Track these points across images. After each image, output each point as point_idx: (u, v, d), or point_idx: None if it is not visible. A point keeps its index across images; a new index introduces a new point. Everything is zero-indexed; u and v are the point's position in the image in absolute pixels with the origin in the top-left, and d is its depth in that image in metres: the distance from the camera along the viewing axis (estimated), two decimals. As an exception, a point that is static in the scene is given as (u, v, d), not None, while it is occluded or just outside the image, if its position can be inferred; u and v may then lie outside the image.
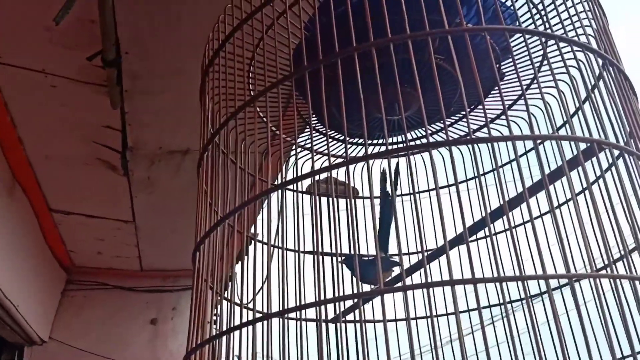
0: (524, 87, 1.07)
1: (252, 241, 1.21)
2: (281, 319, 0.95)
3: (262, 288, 1.14)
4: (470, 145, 1.11)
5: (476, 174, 1.02)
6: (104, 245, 2.83)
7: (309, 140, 1.30)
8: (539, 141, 0.67)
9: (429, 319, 1.10)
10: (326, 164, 1.05)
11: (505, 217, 0.78)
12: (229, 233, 1.05)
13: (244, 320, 0.82)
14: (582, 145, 0.70)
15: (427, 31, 0.79)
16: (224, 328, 0.84)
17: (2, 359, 2.85)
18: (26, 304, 2.52)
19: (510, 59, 1.08)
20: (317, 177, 0.86)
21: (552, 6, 0.88)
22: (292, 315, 1.03)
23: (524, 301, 0.91)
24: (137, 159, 2.07)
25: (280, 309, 0.81)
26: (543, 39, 0.86)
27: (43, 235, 2.63)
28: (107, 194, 2.34)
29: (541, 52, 1.01)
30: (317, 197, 1.23)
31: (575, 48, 0.82)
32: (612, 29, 0.93)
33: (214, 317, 1.00)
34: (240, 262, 1.13)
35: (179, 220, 2.55)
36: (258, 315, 0.87)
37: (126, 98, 1.75)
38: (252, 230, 1.28)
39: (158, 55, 1.63)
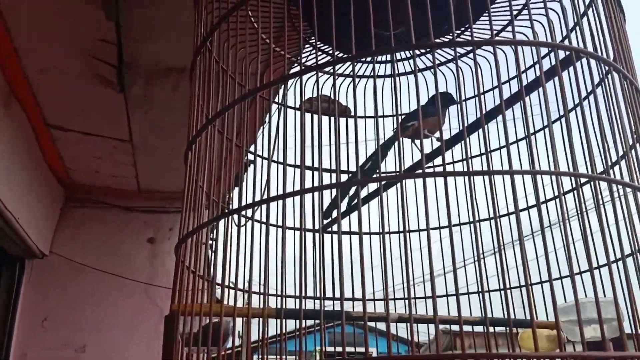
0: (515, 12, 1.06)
1: (248, 156, 1.23)
2: (264, 225, 0.99)
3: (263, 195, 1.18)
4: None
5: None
6: (102, 164, 2.86)
7: (304, 54, 1.30)
8: (540, 48, 0.68)
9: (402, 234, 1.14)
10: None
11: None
12: (220, 141, 1.08)
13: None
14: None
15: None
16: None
17: (3, 270, 2.94)
18: (26, 216, 2.57)
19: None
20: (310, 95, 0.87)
21: None
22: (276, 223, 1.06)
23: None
24: (134, 75, 2.06)
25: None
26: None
27: (41, 151, 2.66)
28: (104, 111, 2.34)
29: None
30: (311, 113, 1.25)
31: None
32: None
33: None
34: (237, 183, 1.16)
35: (176, 141, 2.57)
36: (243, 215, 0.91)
37: (122, 10, 1.72)
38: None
39: (154, -34, 1.60)
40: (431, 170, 1.32)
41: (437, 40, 1.18)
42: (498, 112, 0.86)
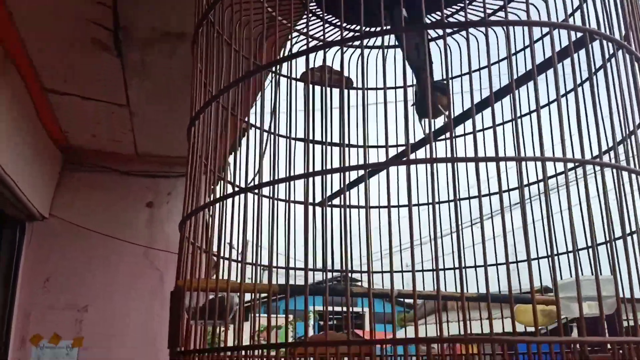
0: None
1: (246, 128, 1.22)
2: (271, 200, 0.99)
3: (259, 170, 1.17)
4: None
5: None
6: (99, 128, 2.84)
7: (305, 25, 1.28)
8: (551, 29, 0.67)
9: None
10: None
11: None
12: (223, 116, 1.06)
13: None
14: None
15: None
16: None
17: (4, 232, 2.95)
18: (25, 180, 2.57)
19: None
20: (310, 66, 0.86)
21: None
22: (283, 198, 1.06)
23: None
24: (131, 40, 2.02)
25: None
26: None
27: (37, 115, 2.63)
28: (101, 76, 2.31)
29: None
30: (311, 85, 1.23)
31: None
32: None
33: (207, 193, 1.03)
34: (234, 150, 1.16)
35: (173, 107, 2.55)
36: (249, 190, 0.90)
37: (118, -27, 1.68)
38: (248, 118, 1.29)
39: None
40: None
41: (429, 21, 1.16)
42: (507, 91, 0.85)
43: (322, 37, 1.24)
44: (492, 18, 1.12)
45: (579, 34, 0.72)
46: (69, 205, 3.13)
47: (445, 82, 1.12)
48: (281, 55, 1.35)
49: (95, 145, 3.07)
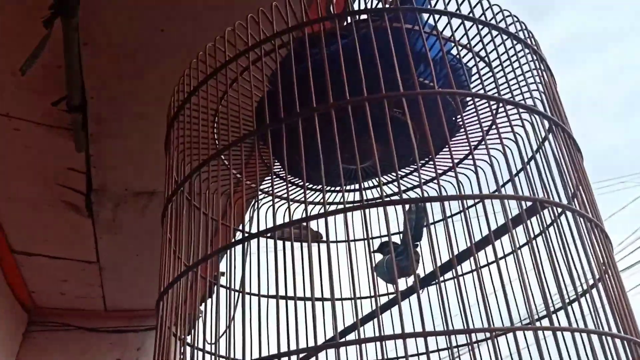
0: (475, 144, 1.13)
1: (215, 284, 1.22)
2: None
3: (224, 332, 1.15)
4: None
5: (427, 225, 1.07)
6: (68, 286, 2.78)
7: (270, 187, 1.33)
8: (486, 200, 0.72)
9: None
10: (287, 210, 1.08)
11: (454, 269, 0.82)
12: (192, 278, 1.07)
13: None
14: (527, 203, 0.75)
15: (383, 94, 0.84)
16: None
17: (-42, 405, 2.74)
18: (-15, 347, 2.45)
19: (466, 114, 1.14)
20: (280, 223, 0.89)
21: (501, 67, 0.94)
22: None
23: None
24: (103, 200, 2.06)
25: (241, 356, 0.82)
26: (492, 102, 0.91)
27: (4, 277, 2.58)
28: (71, 235, 2.31)
29: (492, 112, 1.07)
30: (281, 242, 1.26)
31: (521, 110, 0.87)
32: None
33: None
34: (204, 302, 1.15)
35: (144, 260, 2.53)
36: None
37: (91, 141, 1.75)
38: (219, 271, 1.30)
39: (124, 100, 1.65)
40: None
41: (387, 199, 1.23)
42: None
43: (286, 196, 1.29)
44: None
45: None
46: (31, 368, 2.96)
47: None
48: (249, 213, 1.39)
49: (63, 304, 2.99)
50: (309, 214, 0.92)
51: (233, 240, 1.48)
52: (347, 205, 0.82)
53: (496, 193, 0.76)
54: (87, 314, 3.07)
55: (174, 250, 1.06)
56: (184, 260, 1.02)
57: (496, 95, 0.84)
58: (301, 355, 0.71)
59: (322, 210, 1.15)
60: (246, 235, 0.94)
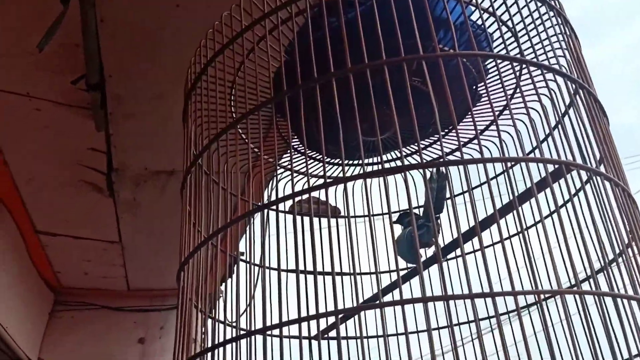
0: (497, 112, 1.10)
1: (236, 260, 1.22)
2: (263, 336, 0.97)
3: (247, 306, 1.15)
4: (443, 168, 1.13)
5: (450, 196, 1.05)
6: (91, 266, 2.82)
7: (290, 161, 1.32)
8: (509, 164, 0.70)
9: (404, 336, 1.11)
10: (307, 184, 1.07)
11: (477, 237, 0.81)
12: (213, 253, 1.07)
13: (228, 337, 0.83)
14: (551, 167, 0.73)
15: (402, 57, 0.82)
16: (209, 345, 0.85)
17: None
18: (15, 325, 2.51)
19: (488, 82, 1.11)
20: (298, 198, 0.88)
21: (524, 30, 0.91)
22: (275, 332, 1.04)
23: (493, 319, 0.94)
24: (123, 180, 2.08)
25: (263, 326, 0.82)
26: (515, 64, 0.88)
27: (30, 257, 2.62)
28: (93, 215, 2.34)
29: (516, 75, 1.04)
30: (300, 217, 1.25)
31: (546, 72, 0.84)
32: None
33: (201, 335, 1.01)
34: (224, 282, 1.15)
35: (165, 239, 2.55)
36: (242, 332, 0.89)
37: (111, 121, 1.76)
38: (239, 250, 1.30)
39: (141, 79, 1.65)
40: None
41: (407, 164, 1.21)
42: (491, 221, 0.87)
43: (305, 171, 1.28)
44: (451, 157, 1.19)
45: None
46: (58, 346, 3.02)
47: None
48: (267, 190, 1.38)
49: (87, 284, 3.04)
50: (326, 185, 0.91)
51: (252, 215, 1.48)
52: (366, 170, 0.80)
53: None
54: (111, 293, 3.12)
55: (193, 223, 1.05)
56: (204, 234, 1.02)
57: (519, 57, 0.81)
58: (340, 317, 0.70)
59: (341, 183, 1.14)
60: (259, 205, 0.93)
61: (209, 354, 0.80)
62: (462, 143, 1.16)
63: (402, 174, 0.76)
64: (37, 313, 2.94)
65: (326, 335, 1.25)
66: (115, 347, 3.11)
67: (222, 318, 1.05)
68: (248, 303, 1.14)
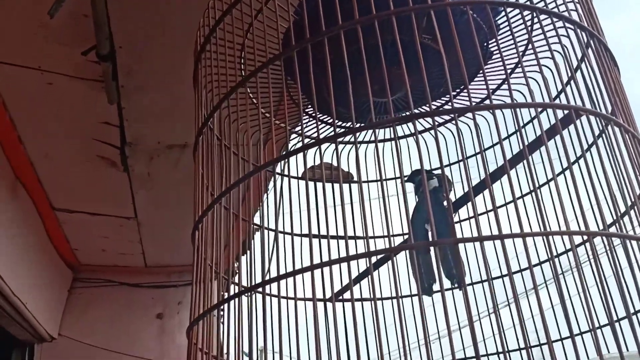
0: (510, 69, 1.09)
1: (253, 226, 1.23)
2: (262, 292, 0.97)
3: (268, 270, 1.16)
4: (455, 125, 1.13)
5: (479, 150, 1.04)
6: (108, 243, 2.86)
7: (300, 125, 1.32)
8: (538, 109, 0.69)
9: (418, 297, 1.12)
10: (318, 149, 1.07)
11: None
12: (226, 217, 1.08)
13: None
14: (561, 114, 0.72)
15: (410, 7, 0.81)
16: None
17: (14, 356, 2.88)
18: (34, 301, 2.55)
19: (499, 37, 1.09)
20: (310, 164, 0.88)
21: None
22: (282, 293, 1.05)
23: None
24: (137, 154, 2.09)
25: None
26: (525, 12, 0.87)
27: (47, 234, 2.66)
28: (109, 191, 2.36)
29: (527, 28, 1.03)
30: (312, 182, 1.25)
31: (557, 21, 0.83)
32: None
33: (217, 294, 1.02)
34: (246, 248, 1.16)
35: (180, 214, 2.57)
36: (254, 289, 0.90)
37: (122, 94, 1.77)
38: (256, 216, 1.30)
39: (151, 50, 1.65)
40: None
41: (417, 111, 1.20)
42: (502, 172, 0.86)
43: (316, 136, 1.28)
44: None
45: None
46: (78, 323, 3.08)
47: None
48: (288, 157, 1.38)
49: (104, 261, 3.08)
50: (336, 136, 0.91)
51: (264, 183, 1.49)
52: (377, 121, 0.80)
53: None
54: (129, 270, 3.16)
55: (206, 185, 1.06)
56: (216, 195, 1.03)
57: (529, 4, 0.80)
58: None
59: (353, 148, 1.13)
60: (258, 166, 0.93)
61: (225, 307, 0.81)
62: (473, 99, 1.15)
63: (414, 135, 0.75)
64: (56, 290, 2.99)
65: (340, 298, 1.26)
66: (134, 323, 3.16)
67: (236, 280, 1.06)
68: (264, 264, 1.15)
